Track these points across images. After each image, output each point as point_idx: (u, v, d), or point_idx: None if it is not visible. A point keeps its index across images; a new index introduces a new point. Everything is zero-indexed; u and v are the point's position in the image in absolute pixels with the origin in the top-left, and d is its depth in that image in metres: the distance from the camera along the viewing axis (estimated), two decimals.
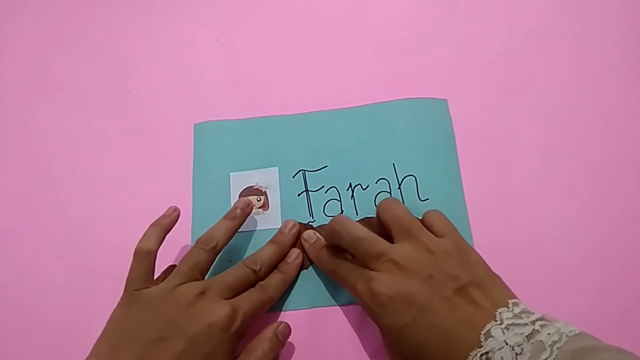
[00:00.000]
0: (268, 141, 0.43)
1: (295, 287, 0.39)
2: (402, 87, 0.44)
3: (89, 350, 0.32)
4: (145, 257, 0.34)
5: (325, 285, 0.38)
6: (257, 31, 0.49)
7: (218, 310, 0.31)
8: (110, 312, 0.34)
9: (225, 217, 0.37)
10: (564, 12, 0.47)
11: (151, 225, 0.36)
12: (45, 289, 0.40)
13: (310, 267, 0.39)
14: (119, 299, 0.35)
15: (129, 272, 0.34)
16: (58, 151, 0.45)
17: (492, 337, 0.26)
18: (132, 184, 0.43)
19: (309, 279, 0.39)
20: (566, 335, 0.25)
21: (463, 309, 0.28)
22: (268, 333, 0.33)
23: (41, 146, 0.45)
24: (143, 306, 0.32)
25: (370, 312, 0.31)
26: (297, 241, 0.39)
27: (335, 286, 0.38)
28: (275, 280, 0.36)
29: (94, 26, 0.50)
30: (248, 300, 0.34)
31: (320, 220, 0.40)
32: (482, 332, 0.26)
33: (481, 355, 0.25)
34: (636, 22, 0.46)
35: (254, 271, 0.35)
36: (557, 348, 0.24)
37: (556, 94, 0.44)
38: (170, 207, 0.37)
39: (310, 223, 0.40)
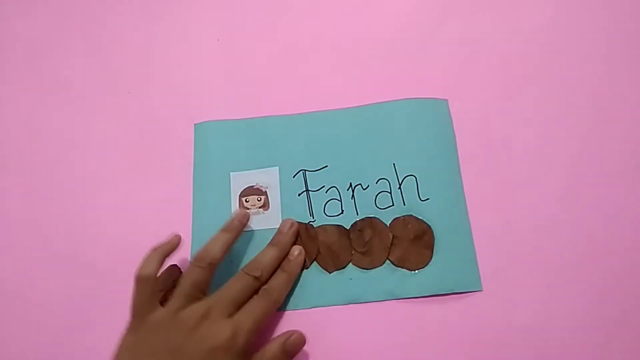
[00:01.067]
0: (268, 141, 0.43)
1: (294, 287, 0.38)
2: (402, 87, 0.44)
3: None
4: (146, 282, 0.34)
5: (325, 285, 0.38)
6: (257, 31, 0.49)
7: (219, 333, 0.32)
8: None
9: (222, 230, 0.37)
10: (564, 12, 0.47)
11: (151, 249, 0.36)
12: (45, 289, 0.40)
13: (311, 266, 0.39)
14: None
15: (133, 298, 0.34)
16: (58, 151, 0.45)
17: None
18: (132, 184, 0.43)
19: (309, 279, 0.39)
20: None
21: None
22: (274, 347, 0.33)
23: (41, 146, 0.45)
24: (150, 332, 0.33)
25: None
26: (296, 239, 0.39)
27: (335, 286, 0.38)
28: (279, 280, 0.36)
29: (94, 26, 0.50)
30: (251, 314, 0.34)
31: (320, 220, 0.40)
32: None
33: None
34: (637, 22, 0.46)
35: (256, 278, 0.35)
36: None
37: (556, 94, 0.44)
38: (172, 233, 0.38)
39: (310, 223, 0.40)
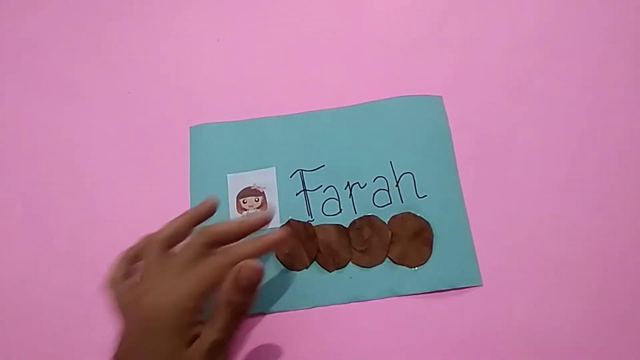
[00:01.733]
0: (265, 141, 0.43)
1: (295, 287, 0.39)
2: (401, 87, 0.44)
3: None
4: (111, 284, 0.35)
5: (325, 285, 0.38)
6: (257, 31, 0.49)
7: (154, 294, 0.31)
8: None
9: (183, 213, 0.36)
10: (564, 12, 0.47)
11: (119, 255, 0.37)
12: (45, 289, 0.40)
13: (311, 267, 0.39)
14: None
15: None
16: (57, 151, 0.45)
17: None
18: (131, 184, 0.43)
19: (309, 279, 0.39)
20: None
21: None
22: (226, 286, 0.31)
23: (41, 146, 0.45)
24: (121, 319, 0.34)
25: None
26: (260, 225, 0.35)
27: (336, 285, 0.38)
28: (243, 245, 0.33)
29: (94, 26, 0.50)
30: (201, 270, 0.32)
31: (319, 219, 0.40)
32: None
33: None
34: (636, 22, 0.46)
35: (205, 243, 0.33)
36: None
37: (555, 94, 0.44)
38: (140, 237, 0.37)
39: (309, 222, 0.40)
